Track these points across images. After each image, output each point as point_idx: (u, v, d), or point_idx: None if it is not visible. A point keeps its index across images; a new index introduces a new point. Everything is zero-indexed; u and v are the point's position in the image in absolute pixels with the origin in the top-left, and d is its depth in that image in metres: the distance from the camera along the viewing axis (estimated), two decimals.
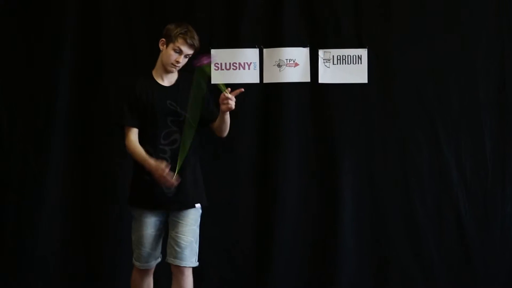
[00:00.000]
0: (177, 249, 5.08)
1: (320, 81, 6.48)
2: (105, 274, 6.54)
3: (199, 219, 5.23)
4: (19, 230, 6.52)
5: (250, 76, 6.50)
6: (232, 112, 6.43)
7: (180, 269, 5.12)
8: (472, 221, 6.41)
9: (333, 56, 6.47)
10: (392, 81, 6.47)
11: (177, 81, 5.14)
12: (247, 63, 6.50)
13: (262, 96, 6.53)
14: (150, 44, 6.50)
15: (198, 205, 5.16)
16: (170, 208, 5.10)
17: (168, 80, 5.12)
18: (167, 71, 5.10)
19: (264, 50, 6.50)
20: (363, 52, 6.46)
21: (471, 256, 6.41)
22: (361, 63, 6.46)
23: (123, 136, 5.16)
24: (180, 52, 5.00)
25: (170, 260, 5.14)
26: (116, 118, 5.11)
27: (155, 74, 5.14)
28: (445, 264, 6.43)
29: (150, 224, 5.11)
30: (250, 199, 6.57)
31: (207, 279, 6.49)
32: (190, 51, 5.04)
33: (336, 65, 6.47)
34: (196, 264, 5.20)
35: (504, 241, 6.38)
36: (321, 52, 6.48)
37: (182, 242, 5.07)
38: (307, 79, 6.49)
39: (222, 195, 6.49)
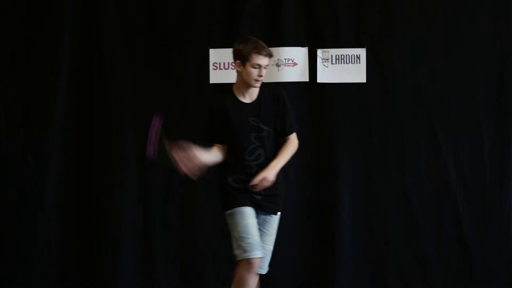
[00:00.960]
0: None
1: (318, 80, 6.49)
2: (104, 274, 6.57)
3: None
4: (17, 230, 6.54)
5: None
6: None
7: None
8: (471, 220, 6.42)
9: (331, 55, 6.48)
10: (390, 81, 6.49)
11: (258, 96, 5.06)
12: None
13: None
14: (149, 44, 6.59)
15: (279, 213, 5.14)
16: (260, 208, 5.05)
17: (249, 97, 5.04)
18: (251, 87, 5.02)
19: None
20: (361, 52, 6.47)
21: (470, 255, 6.42)
22: (359, 62, 6.47)
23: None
24: (259, 67, 4.93)
25: None
26: (205, 138, 5.10)
27: (236, 91, 5.06)
28: (443, 264, 6.44)
29: (252, 215, 5.00)
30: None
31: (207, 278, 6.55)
32: (267, 62, 4.98)
33: (335, 64, 6.48)
34: (267, 270, 5.19)
35: (503, 239, 6.39)
36: (319, 52, 6.49)
37: (265, 251, 5.06)
38: (306, 78, 6.50)
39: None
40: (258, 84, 4.98)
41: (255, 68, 4.91)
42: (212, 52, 6.52)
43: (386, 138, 6.51)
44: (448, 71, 6.45)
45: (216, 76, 6.53)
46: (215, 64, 6.51)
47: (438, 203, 6.47)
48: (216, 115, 5.01)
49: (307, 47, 6.50)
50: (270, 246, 5.11)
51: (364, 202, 6.52)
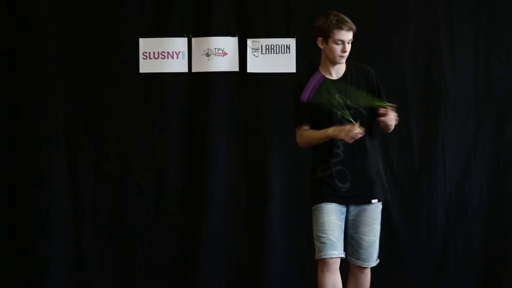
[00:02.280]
0: (359, 249, 4.90)
1: (248, 70, 6.50)
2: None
3: (380, 216, 4.95)
4: None
5: (179, 65, 6.49)
6: (160, 102, 6.48)
7: (361, 269, 4.98)
8: (399, 211, 6.45)
9: (261, 45, 6.48)
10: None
11: (345, 72, 4.91)
12: (175, 52, 6.48)
13: (191, 86, 6.53)
14: (78, 32, 6.55)
15: (375, 201, 4.90)
16: (348, 200, 4.86)
17: (336, 73, 4.88)
18: (336, 64, 4.86)
19: (193, 39, 6.50)
20: (291, 42, 6.48)
21: (398, 246, 6.47)
22: (289, 52, 6.49)
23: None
24: (342, 42, 4.76)
25: (352, 260, 4.96)
26: (294, 118, 4.93)
27: (322, 69, 4.89)
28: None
29: (332, 211, 4.82)
30: (179, 191, 6.61)
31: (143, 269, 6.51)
32: (350, 36, 4.79)
33: (265, 54, 6.49)
34: (376, 262, 5.00)
35: (431, 230, 6.45)
36: (249, 42, 6.49)
37: (364, 243, 4.89)
38: (236, 68, 6.50)
39: (149, 185, 6.55)
40: (343, 60, 4.84)
41: (338, 44, 4.75)
42: (142, 41, 6.48)
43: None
44: (376, 60, 6.47)
45: (146, 66, 6.49)
46: (144, 54, 6.48)
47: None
48: (301, 93, 4.81)
49: (237, 37, 6.49)
50: (370, 237, 4.89)
51: (295, 191, 6.53)
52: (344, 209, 4.90)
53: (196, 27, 6.51)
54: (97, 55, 6.52)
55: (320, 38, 4.81)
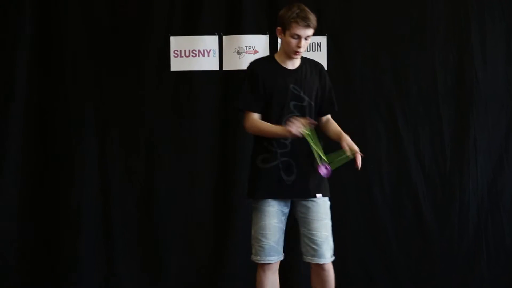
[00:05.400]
0: (314, 246, 4.84)
1: None
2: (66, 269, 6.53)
3: (329, 212, 4.92)
4: None
5: (210, 64, 6.48)
6: (191, 100, 6.47)
7: (321, 266, 4.90)
8: (431, 209, 6.45)
9: None
10: (351, 69, 6.50)
11: (300, 65, 4.87)
12: (206, 50, 6.48)
13: (222, 83, 6.52)
14: (110, 32, 6.52)
15: (319, 195, 4.85)
16: (294, 193, 4.80)
17: (291, 64, 4.84)
18: (291, 58, 4.83)
19: (224, 37, 6.49)
20: (322, 40, 6.47)
21: (430, 243, 6.46)
22: (320, 50, 6.48)
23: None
24: (298, 37, 4.71)
25: (308, 259, 4.89)
26: (239, 103, 4.85)
27: (278, 58, 4.85)
28: (403, 251, 6.48)
29: (273, 214, 4.80)
30: (209, 186, 6.59)
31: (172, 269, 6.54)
32: (308, 33, 4.72)
33: None
34: (332, 259, 4.92)
35: (462, 228, 6.44)
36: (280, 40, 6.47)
37: (317, 239, 4.83)
38: None
39: (181, 182, 6.53)
40: (297, 56, 4.81)
41: (294, 38, 4.71)
42: (173, 39, 6.47)
43: (346, 125, 6.48)
44: (408, 59, 6.48)
45: (177, 64, 6.48)
46: (175, 52, 6.47)
47: (398, 191, 6.50)
48: (254, 79, 4.78)
49: (268, 35, 6.48)
50: (323, 232, 4.84)
51: None
52: (287, 205, 4.87)
53: (227, 25, 6.50)
54: (128, 54, 6.51)
55: (279, 28, 4.80)
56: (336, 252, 6.42)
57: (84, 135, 6.51)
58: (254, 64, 4.90)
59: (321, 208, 4.87)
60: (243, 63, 6.42)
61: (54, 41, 6.51)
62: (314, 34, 6.29)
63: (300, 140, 4.68)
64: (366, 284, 6.49)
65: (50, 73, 6.54)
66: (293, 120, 4.60)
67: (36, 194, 6.53)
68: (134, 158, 6.55)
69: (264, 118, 4.79)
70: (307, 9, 4.76)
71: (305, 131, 4.59)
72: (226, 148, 6.54)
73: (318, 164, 4.66)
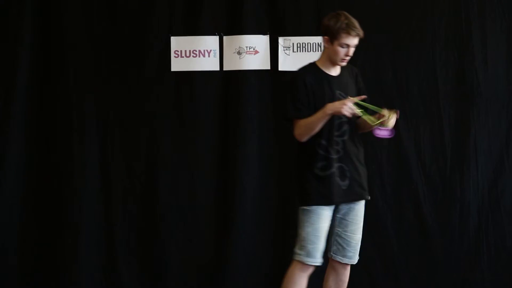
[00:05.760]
0: (347, 247, 4.96)
1: (280, 68, 6.49)
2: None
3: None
4: None
5: (210, 64, 6.49)
6: (191, 100, 6.48)
7: (344, 266, 5.03)
8: (431, 209, 6.45)
9: (293, 43, 6.48)
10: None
11: (341, 70, 4.96)
12: (207, 50, 6.48)
13: (222, 84, 6.53)
14: (110, 32, 6.52)
15: (368, 198, 5.01)
16: (346, 197, 4.90)
17: (334, 71, 4.93)
18: (336, 65, 4.91)
19: (224, 37, 6.50)
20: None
21: (431, 243, 6.46)
22: (321, 50, 6.43)
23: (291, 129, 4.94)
24: (347, 46, 4.80)
25: (338, 258, 4.99)
26: (288, 113, 4.89)
27: (321, 65, 4.94)
28: (404, 251, 6.48)
29: (327, 218, 4.89)
30: (210, 186, 6.59)
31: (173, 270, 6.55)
32: (356, 41, 4.84)
33: (296, 52, 6.48)
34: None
35: (463, 228, 6.44)
36: (281, 40, 6.48)
37: (353, 241, 4.96)
38: (267, 66, 6.49)
39: (182, 182, 6.54)
40: (344, 63, 4.89)
41: (343, 47, 4.79)
42: (173, 39, 6.47)
43: None
44: (409, 59, 6.48)
45: (178, 64, 6.49)
46: (176, 52, 6.47)
47: (398, 191, 6.51)
48: (303, 88, 4.82)
49: (268, 35, 6.49)
50: (358, 235, 4.98)
51: None
52: (333, 210, 4.94)
53: (228, 25, 6.51)
54: (129, 54, 6.52)
55: (326, 37, 4.86)
56: None
57: (85, 135, 6.51)
58: (300, 73, 4.94)
59: (360, 211, 5.00)
60: (244, 63, 6.46)
61: (54, 41, 6.52)
62: (314, 34, 6.43)
63: (348, 144, 4.83)
64: (366, 284, 6.49)
65: (51, 74, 6.55)
66: (341, 102, 4.69)
67: (37, 194, 6.54)
68: (135, 158, 6.55)
69: None
70: (352, 17, 4.86)
71: (357, 110, 4.69)
72: (227, 148, 6.54)
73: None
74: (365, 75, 6.39)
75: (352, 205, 4.95)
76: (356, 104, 4.73)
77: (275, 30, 6.51)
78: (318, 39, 6.44)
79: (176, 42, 6.47)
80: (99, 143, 6.53)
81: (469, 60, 6.45)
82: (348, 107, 4.66)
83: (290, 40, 6.48)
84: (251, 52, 6.47)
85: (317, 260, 4.90)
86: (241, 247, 6.51)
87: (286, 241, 6.47)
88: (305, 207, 4.89)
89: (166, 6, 6.50)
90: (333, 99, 4.80)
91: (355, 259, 5.02)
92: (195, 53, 6.47)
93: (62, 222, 6.51)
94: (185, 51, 6.48)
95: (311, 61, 5.04)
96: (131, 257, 6.54)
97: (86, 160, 6.52)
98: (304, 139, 4.84)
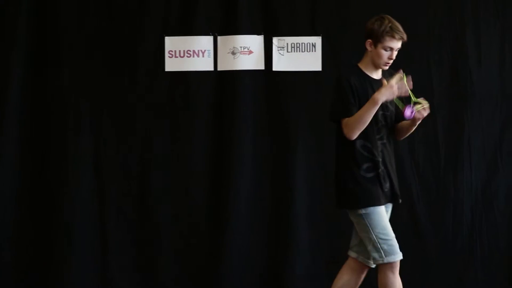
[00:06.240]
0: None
1: (274, 68, 6.50)
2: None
3: None
4: None
5: (204, 64, 6.49)
6: (186, 100, 6.48)
7: (365, 268, 5.04)
8: (425, 209, 6.47)
9: (287, 43, 6.49)
10: (346, 69, 6.49)
11: (382, 74, 4.91)
12: (201, 50, 6.49)
13: (216, 84, 6.53)
14: (105, 31, 6.52)
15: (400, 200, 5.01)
16: (391, 198, 4.91)
17: (376, 74, 4.89)
18: (379, 68, 4.88)
19: (219, 37, 6.50)
20: (317, 40, 6.48)
21: (424, 244, 6.47)
22: (315, 50, 6.49)
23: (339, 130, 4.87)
24: (391, 49, 4.78)
25: (362, 259, 4.99)
26: (336, 113, 4.83)
27: (364, 68, 4.89)
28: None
29: (386, 214, 4.89)
30: (204, 186, 6.59)
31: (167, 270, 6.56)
32: (399, 45, 4.82)
33: (290, 52, 6.49)
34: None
35: (456, 228, 6.46)
36: (275, 40, 6.49)
37: None
38: (261, 66, 6.50)
39: (177, 182, 6.55)
40: (387, 67, 4.87)
41: (386, 50, 4.78)
42: (168, 40, 6.48)
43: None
44: (402, 58, 6.47)
45: (172, 64, 6.49)
46: (170, 52, 6.48)
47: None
48: (350, 88, 4.78)
49: (262, 35, 6.50)
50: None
51: (320, 187, 6.53)
52: None
53: (222, 25, 6.52)
54: (123, 54, 6.52)
55: (369, 40, 4.82)
56: (330, 252, 6.51)
57: (79, 135, 6.52)
58: (346, 75, 4.88)
59: (389, 214, 5.00)
60: (238, 64, 6.46)
61: (49, 41, 6.53)
62: (308, 34, 6.44)
63: (386, 148, 4.84)
64: (361, 285, 6.48)
65: (45, 74, 6.55)
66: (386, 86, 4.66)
67: (32, 193, 6.54)
68: (129, 158, 6.56)
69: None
70: (395, 21, 4.83)
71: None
72: (221, 147, 6.54)
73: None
74: None
75: (387, 207, 4.96)
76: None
77: (269, 30, 6.51)
78: (312, 39, 6.47)
79: (171, 42, 6.48)
80: (94, 143, 6.53)
81: (463, 60, 6.47)
82: (396, 87, 4.65)
83: (284, 40, 6.49)
84: (245, 52, 6.48)
85: (398, 255, 4.84)
86: (235, 248, 6.51)
87: (280, 241, 6.53)
88: (362, 211, 4.82)
89: (161, 6, 6.51)
90: None
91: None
92: (189, 53, 6.48)
93: (56, 222, 6.51)
94: (179, 51, 6.49)
95: (355, 64, 4.98)
96: (125, 257, 6.54)
97: (80, 160, 6.51)
98: (355, 135, 4.76)
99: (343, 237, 6.43)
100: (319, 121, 6.50)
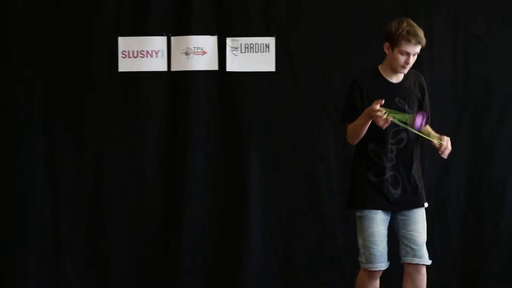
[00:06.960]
0: (414, 247, 4.86)
1: (228, 69, 6.50)
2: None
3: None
4: None
5: (158, 64, 6.50)
6: (139, 100, 6.48)
7: (417, 268, 4.91)
8: None
9: (240, 44, 6.49)
10: (299, 70, 6.52)
11: (404, 77, 4.87)
12: (154, 51, 6.49)
13: (170, 84, 6.54)
14: (56, 32, 6.52)
15: (426, 204, 4.97)
16: (399, 207, 4.86)
17: (396, 78, 4.85)
18: (396, 72, 4.84)
19: (172, 38, 6.50)
20: (271, 41, 6.48)
21: None
22: (268, 51, 6.49)
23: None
24: (407, 54, 4.71)
25: (408, 259, 4.88)
26: (342, 115, 4.88)
27: (383, 71, 4.86)
28: (351, 253, 6.47)
29: (380, 221, 4.82)
30: (157, 186, 6.61)
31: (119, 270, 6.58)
32: (417, 50, 4.74)
33: (244, 53, 6.49)
34: (430, 262, 4.95)
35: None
36: (229, 40, 6.49)
37: (419, 239, 4.86)
38: (215, 67, 6.50)
39: (128, 186, 6.58)
40: (404, 71, 4.80)
41: (402, 55, 4.71)
42: (121, 40, 6.48)
43: (295, 126, 6.54)
44: (356, 60, 6.47)
45: (125, 65, 6.49)
46: (123, 52, 6.48)
47: (346, 190, 6.50)
48: (358, 93, 4.78)
49: (216, 36, 6.50)
50: (423, 234, 4.89)
51: (274, 187, 6.57)
52: (389, 215, 4.90)
53: (175, 25, 6.52)
54: (75, 54, 6.51)
55: (387, 43, 4.78)
56: (284, 254, 6.51)
57: (32, 135, 6.52)
58: (359, 77, 4.88)
59: (418, 215, 4.91)
60: (192, 64, 6.47)
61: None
62: (262, 35, 6.43)
63: (403, 153, 4.79)
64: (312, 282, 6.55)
65: None
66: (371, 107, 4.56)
67: None
68: (82, 158, 6.55)
69: (369, 131, 4.73)
70: (415, 24, 4.75)
71: (385, 116, 4.54)
72: (175, 147, 6.55)
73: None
74: (313, 76, 6.49)
75: (411, 212, 4.89)
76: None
77: (223, 30, 6.51)
78: (266, 40, 6.48)
79: (124, 43, 6.48)
80: (46, 143, 6.53)
81: (415, 62, 6.42)
82: (376, 113, 4.53)
83: (238, 40, 6.49)
84: (199, 52, 6.48)
85: (377, 265, 4.84)
86: (189, 248, 6.53)
87: (234, 241, 6.55)
88: (357, 214, 4.87)
89: (114, 6, 6.49)
90: (390, 106, 4.68)
91: (426, 259, 4.89)
92: (143, 54, 6.48)
93: (7, 222, 6.52)
94: (133, 51, 6.49)
95: (375, 65, 4.96)
96: (78, 257, 6.56)
97: (33, 161, 6.51)
98: (353, 142, 4.83)
99: (298, 237, 6.55)
100: (272, 121, 6.52)
